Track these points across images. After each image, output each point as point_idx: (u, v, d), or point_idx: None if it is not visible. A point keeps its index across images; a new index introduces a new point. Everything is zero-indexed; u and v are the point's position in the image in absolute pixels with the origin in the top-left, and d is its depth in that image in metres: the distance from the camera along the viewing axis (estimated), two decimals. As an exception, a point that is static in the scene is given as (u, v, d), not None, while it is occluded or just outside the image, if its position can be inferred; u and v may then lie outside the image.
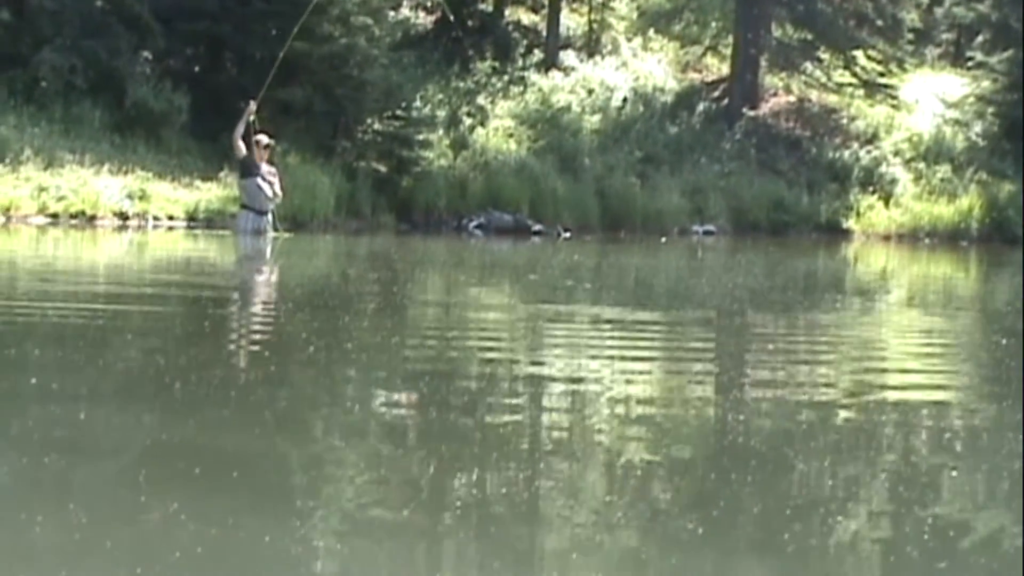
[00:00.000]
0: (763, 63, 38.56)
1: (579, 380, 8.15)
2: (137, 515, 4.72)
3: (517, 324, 11.56)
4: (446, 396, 7.31)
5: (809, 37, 38.91)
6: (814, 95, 39.14)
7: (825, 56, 39.23)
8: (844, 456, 6.13)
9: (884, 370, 9.42)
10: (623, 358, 9.25)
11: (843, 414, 7.20)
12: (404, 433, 6.40)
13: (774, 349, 10.13)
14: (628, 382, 8.19)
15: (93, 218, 23.05)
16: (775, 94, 39.08)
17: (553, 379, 8.22)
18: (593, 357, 9.26)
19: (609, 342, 10.22)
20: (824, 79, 39.25)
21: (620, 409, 7.13)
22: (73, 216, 22.86)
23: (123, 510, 4.77)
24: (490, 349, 9.62)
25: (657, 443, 6.30)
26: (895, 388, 8.37)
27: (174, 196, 24.44)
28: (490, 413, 6.93)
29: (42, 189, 22.91)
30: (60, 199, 22.93)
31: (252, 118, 21.45)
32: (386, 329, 10.64)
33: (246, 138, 21.79)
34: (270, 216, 21.16)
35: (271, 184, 21.12)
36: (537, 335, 10.54)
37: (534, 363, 8.92)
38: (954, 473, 5.91)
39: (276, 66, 22.39)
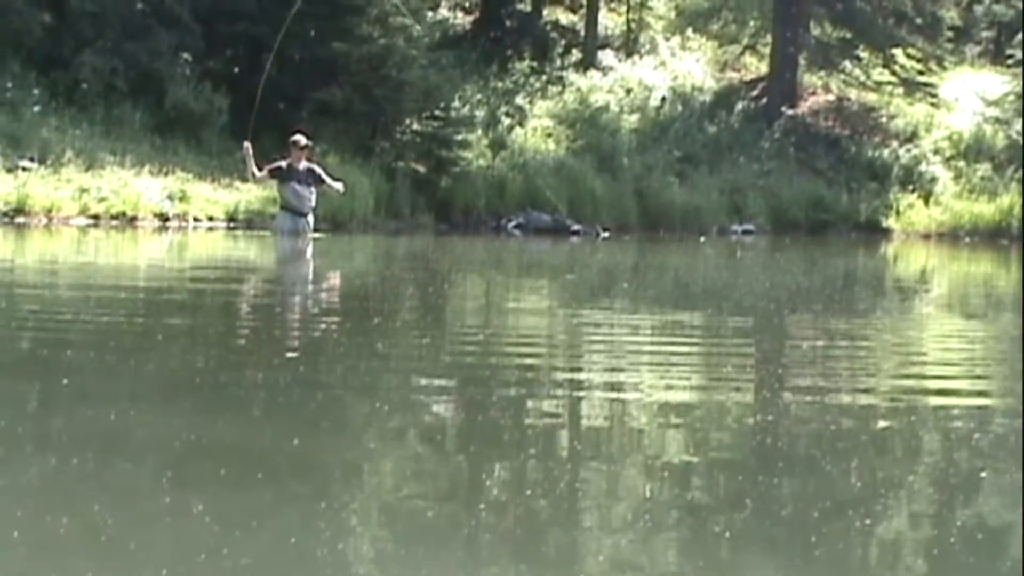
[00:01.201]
0: (802, 62, 38.46)
1: (617, 382, 8.15)
2: (163, 516, 4.75)
3: (555, 325, 11.57)
4: (482, 397, 7.33)
5: (848, 35, 38.80)
6: (853, 94, 39.02)
7: (864, 54, 39.11)
8: (883, 460, 6.12)
9: (923, 373, 9.39)
10: (661, 361, 9.26)
11: (882, 418, 7.19)
12: (440, 434, 6.42)
13: (813, 351, 10.11)
14: (666, 384, 8.20)
15: (134, 219, 23.19)
16: (814, 93, 38.97)
17: (591, 381, 8.23)
18: (631, 359, 9.26)
19: (647, 344, 10.21)
20: (863, 77, 39.13)
21: (658, 412, 7.13)
22: (114, 217, 23.01)
23: (150, 511, 4.81)
24: (527, 350, 9.63)
25: (694, 446, 6.31)
26: (935, 391, 8.35)
27: (214, 197, 24.57)
28: (527, 415, 6.95)
29: (83, 190, 23.06)
30: (101, 200, 23.08)
31: (251, 153, 21.18)
32: (423, 330, 10.67)
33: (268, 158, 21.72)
34: (310, 217, 21.19)
35: (308, 186, 21.05)
36: (575, 336, 10.55)
37: (572, 366, 8.94)
38: (993, 478, 5.89)
39: (261, 92, 22.07)
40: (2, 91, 24.80)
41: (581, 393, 7.75)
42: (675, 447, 6.26)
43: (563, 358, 9.29)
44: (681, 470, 5.81)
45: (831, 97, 38.82)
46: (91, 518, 4.65)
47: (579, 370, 8.64)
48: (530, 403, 7.30)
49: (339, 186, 21.49)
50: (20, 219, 22.05)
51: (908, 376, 9.01)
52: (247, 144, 21.15)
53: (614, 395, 7.63)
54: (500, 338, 10.38)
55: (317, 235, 21.16)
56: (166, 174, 24.41)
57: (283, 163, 21.15)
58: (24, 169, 22.87)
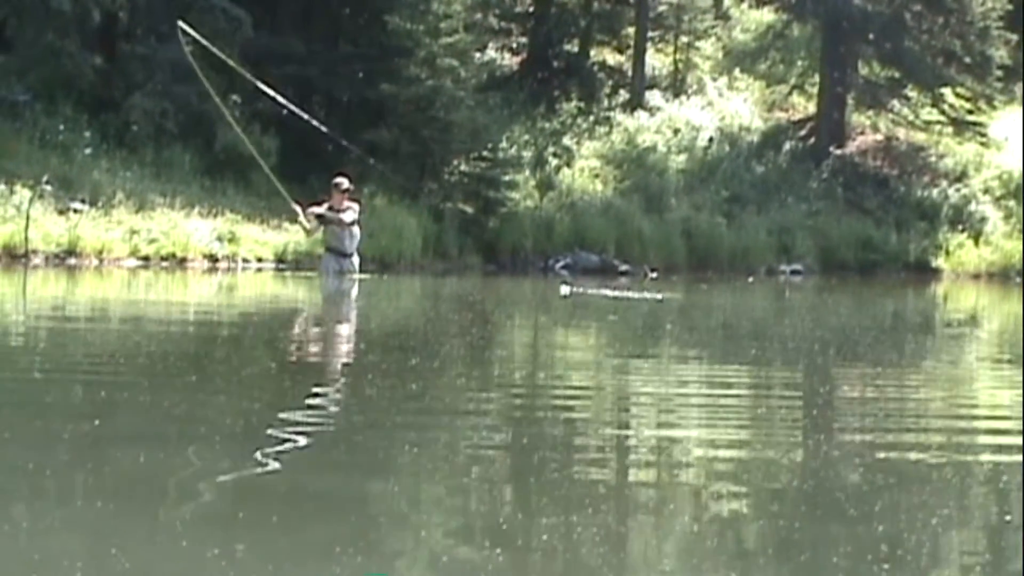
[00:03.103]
0: (850, 101, 38.38)
1: (664, 427, 8.13)
2: (213, 557, 4.76)
3: (602, 369, 11.56)
4: (528, 446, 7.31)
5: (896, 75, 38.67)
6: (902, 133, 38.89)
7: (913, 94, 38.96)
8: (933, 514, 6.06)
9: (974, 417, 9.32)
10: (708, 406, 9.22)
11: (932, 470, 7.11)
12: (485, 483, 6.41)
13: (862, 401, 10.04)
14: (713, 429, 8.17)
15: (183, 260, 23.35)
16: (862, 132, 38.86)
17: (638, 426, 8.21)
18: (678, 405, 9.23)
19: (694, 393, 10.18)
20: (912, 117, 39.00)
21: (706, 458, 7.10)
22: (164, 258, 23.17)
23: (200, 552, 4.82)
24: (573, 400, 9.62)
25: (743, 493, 6.27)
26: (985, 444, 8.26)
27: (263, 238, 24.71)
28: (575, 462, 6.93)
29: (134, 232, 23.24)
30: (151, 242, 23.24)
31: (303, 213, 21.20)
32: (467, 375, 10.66)
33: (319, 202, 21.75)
34: (355, 258, 21.25)
35: (348, 228, 20.99)
36: (622, 385, 10.52)
37: (619, 419, 8.90)
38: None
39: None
40: (54, 134, 25.04)
41: (628, 445, 7.72)
42: (722, 494, 6.23)
43: (611, 410, 9.25)
44: (730, 521, 5.78)
45: (879, 137, 38.71)
46: (143, 558, 4.69)
47: (626, 424, 8.60)
48: (577, 452, 7.28)
49: (346, 219, 20.99)
50: (72, 260, 22.23)
51: (959, 428, 8.90)
52: (298, 208, 21.10)
53: (662, 447, 7.59)
54: (546, 387, 10.37)
55: (363, 276, 21.21)
56: (215, 215, 24.57)
57: (325, 206, 21.23)
58: (76, 211, 23.08)
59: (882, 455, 7.42)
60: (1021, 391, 9.65)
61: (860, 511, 5.96)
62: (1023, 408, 8.61)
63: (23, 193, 22.51)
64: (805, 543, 5.40)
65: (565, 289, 20.75)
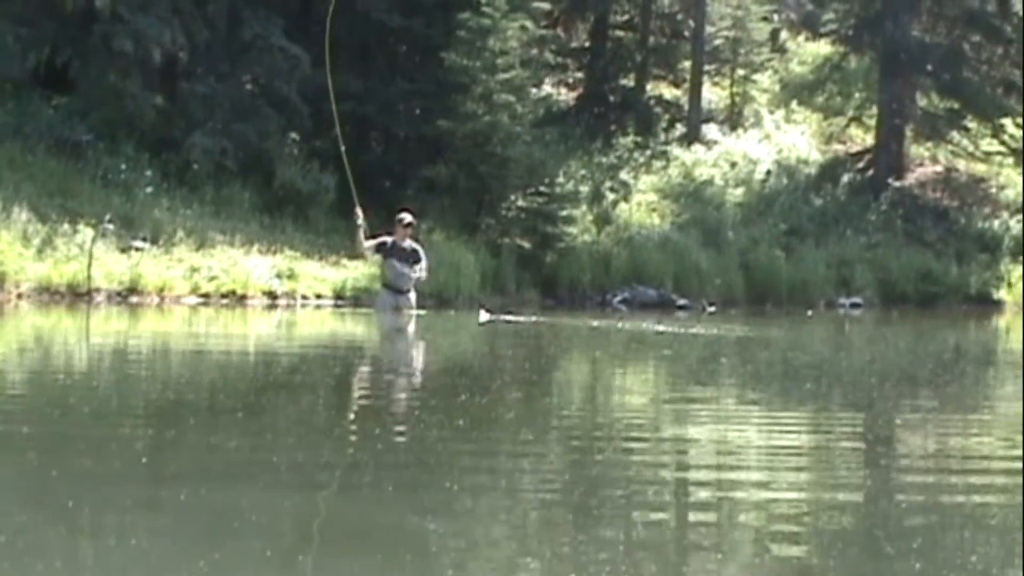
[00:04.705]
0: (908, 133, 38.20)
1: (723, 469, 8.12)
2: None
3: (660, 406, 11.56)
4: (587, 484, 7.32)
5: (956, 106, 38.46)
6: (961, 164, 38.67)
7: (972, 124, 38.74)
8: (996, 553, 6.02)
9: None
10: (769, 446, 9.20)
11: (997, 513, 7.05)
12: (545, 521, 6.42)
13: (924, 442, 9.98)
14: (773, 471, 8.14)
15: (243, 297, 23.50)
16: (921, 164, 38.67)
17: (697, 466, 8.21)
18: (737, 444, 9.20)
19: (754, 427, 10.15)
20: (972, 148, 38.76)
21: (767, 501, 7.08)
22: (224, 296, 23.33)
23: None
24: (631, 438, 9.61)
25: (804, 535, 6.26)
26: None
27: (321, 275, 24.84)
28: (633, 504, 6.93)
29: (194, 270, 23.42)
30: (211, 279, 23.41)
31: (361, 222, 21.53)
32: (525, 414, 10.67)
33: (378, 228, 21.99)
34: (412, 294, 21.35)
35: (409, 264, 21.17)
36: (680, 426, 10.49)
37: (678, 461, 8.89)
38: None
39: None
40: (116, 173, 25.29)
41: (687, 488, 7.71)
42: (785, 534, 6.21)
43: (669, 453, 9.23)
44: (793, 557, 5.77)
45: (939, 168, 38.50)
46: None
47: (685, 466, 8.57)
48: (634, 494, 7.28)
49: (423, 275, 21.46)
50: (133, 298, 22.42)
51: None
52: (359, 211, 21.49)
53: (721, 488, 7.58)
54: (603, 427, 10.37)
55: (420, 312, 21.28)
56: (274, 252, 24.73)
57: (387, 239, 21.40)
58: (137, 249, 23.29)
59: (945, 498, 7.37)
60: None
61: (922, 554, 5.93)
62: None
63: (86, 232, 22.75)
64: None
65: (484, 316, 21.02)
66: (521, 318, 21.93)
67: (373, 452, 8.18)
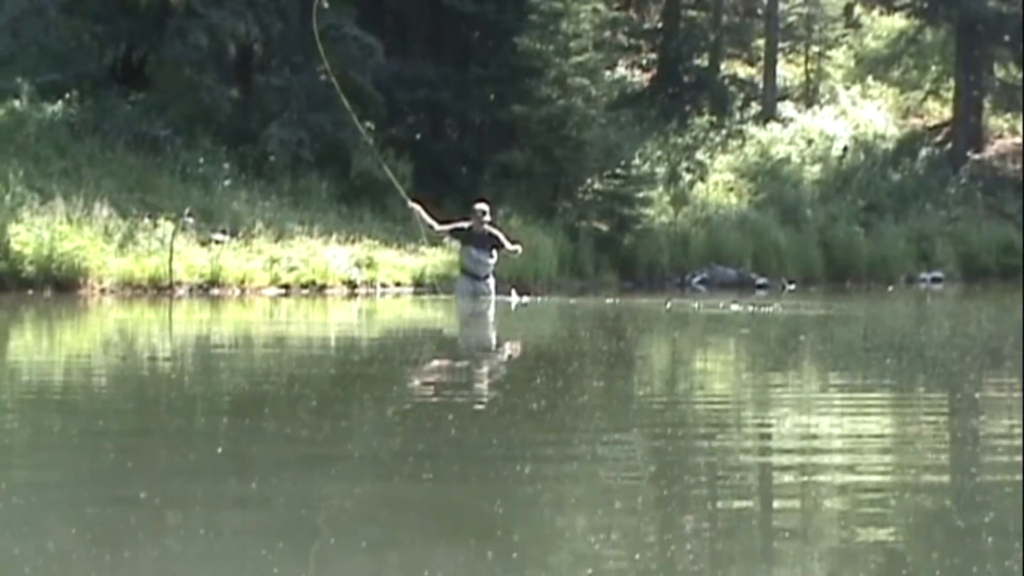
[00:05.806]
0: (986, 105, 37.79)
1: (806, 453, 8.09)
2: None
3: (742, 388, 11.54)
4: (670, 470, 7.33)
5: (1034, 76, 38.00)
6: (1041, 135, 38.20)
7: (1052, 95, 38.24)
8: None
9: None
10: (851, 428, 9.16)
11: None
12: (629, 507, 6.42)
13: (1010, 410, 9.89)
14: (857, 454, 8.11)
15: (323, 287, 23.66)
16: (1000, 136, 38.25)
17: (780, 450, 8.19)
18: (820, 427, 9.17)
19: (836, 408, 10.11)
20: (1052, 118, 38.28)
21: (852, 484, 7.06)
22: (304, 286, 23.50)
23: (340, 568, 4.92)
24: (714, 428, 9.60)
25: (889, 523, 6.24)
26: None
27: (400, 263, 24.96)
28: (716, 491, 6.93)
29: (274, 261, 23.60)
30: (291, 270, 23.58)
31: (419, 213, 21.83)
32: (605, 399, 10.69)
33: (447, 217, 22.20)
34: (490, 280, 21.43)
35: (487, 250, 21.27)
36: (762, 409, 10.46)
37: (760, 445, 8.87)
38: None
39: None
40: (195, 167, 25.53)
41: (770, 472, 7.70)
42: (868, 525, 6.20)
43: (751, 437, 9.21)
44: (876, 547, 5.75)
45: (1018, 139, 38.05)
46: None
47: (767, 450, 8.55)
48: (718, 480, 7.28)
49: (518, 248, 21.67)
50: (214, 291, 22.63)
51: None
52: (412, 205, 21.74)
53: (805, 473, 7.55)
54: (685, 410, 10.37)
55: (526, 299, 21.54)
56: (353, 242, 24.86)
57: (464, 224, 21.51)
58: (217, 242, 23.49)
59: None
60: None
61: (1009, 536, 5.89)
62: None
63: (166, 226, 22.98)
64: (952, 571, 5.35)
65: (515, 298, 21.32)
66: (556, 299, 22.24)
67: (458, 438, 8.21)
